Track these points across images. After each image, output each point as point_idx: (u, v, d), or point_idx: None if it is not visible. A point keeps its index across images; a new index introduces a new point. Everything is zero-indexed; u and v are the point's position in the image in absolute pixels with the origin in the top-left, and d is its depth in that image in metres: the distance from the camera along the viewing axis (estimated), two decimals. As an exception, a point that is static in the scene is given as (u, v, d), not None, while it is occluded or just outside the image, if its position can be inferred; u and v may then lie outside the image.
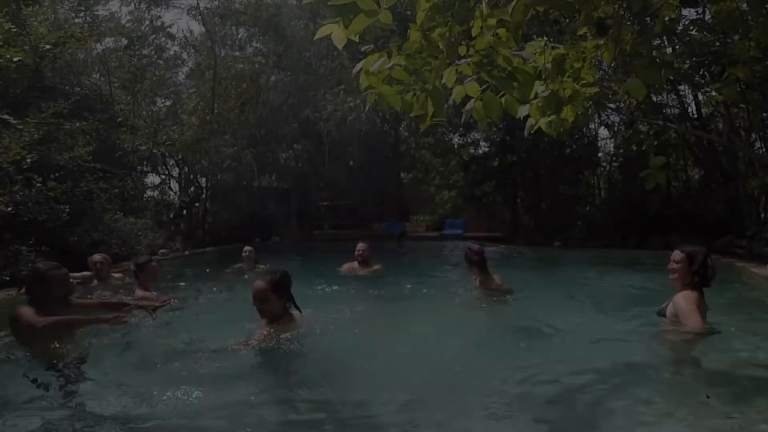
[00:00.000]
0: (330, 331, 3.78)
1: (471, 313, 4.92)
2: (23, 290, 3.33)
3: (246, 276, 7.47)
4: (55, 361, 3.09)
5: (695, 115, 11.94)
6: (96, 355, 3.32)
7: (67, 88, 12.24)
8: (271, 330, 3.37)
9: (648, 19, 4.60)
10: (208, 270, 8.41)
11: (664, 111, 11.84)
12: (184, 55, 18.09)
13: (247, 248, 7.81)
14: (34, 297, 3.28)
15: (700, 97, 10.57)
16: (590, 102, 3.22)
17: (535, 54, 2.65)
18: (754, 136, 11.03)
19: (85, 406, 2.67)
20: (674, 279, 3.43)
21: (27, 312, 3.15)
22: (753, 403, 2.66)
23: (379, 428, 2.55)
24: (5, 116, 7.64)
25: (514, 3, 2.11)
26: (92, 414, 2.60)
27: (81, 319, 3.36)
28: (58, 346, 3.22)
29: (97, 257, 6.11)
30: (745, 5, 4.98)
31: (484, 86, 2.37)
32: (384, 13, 1.92)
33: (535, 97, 2.72)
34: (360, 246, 7.29)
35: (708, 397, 2.62)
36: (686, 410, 2.61)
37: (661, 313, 3.55)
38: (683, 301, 3.29)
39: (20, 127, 7.95)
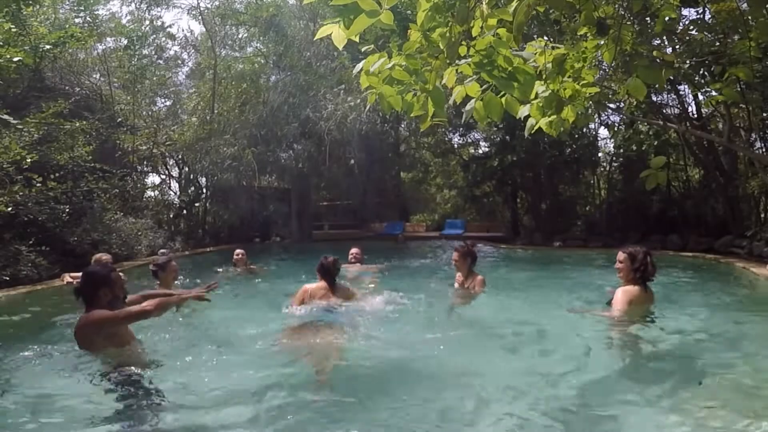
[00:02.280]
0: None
1: (453, 310, 4.93)
2: (80, 297, 3.13)
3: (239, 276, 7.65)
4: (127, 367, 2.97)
5: (695, 115, 11.92)
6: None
7: (67, 88, 12.26)
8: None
9: (648, 19, 4.59)
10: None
11: (664, 111, 11.82)
12: (185, 55, 18.12)
13: (238, 251, 8.07)
14: (96, 300, 3.08)
15: (700, 97, 10.55)
16: (590, 102, 3.23)
17: (535, 54, 2.65)
18: (754, 136, 11.01)
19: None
20: (620, 276, 3.93)
21: (102, 312, 2.96)
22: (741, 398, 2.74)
23: (372, 425, 2.55)
24: (5, 116, 7.64)
25: (515, 4, 2.11)
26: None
27: (169, 300, 3.14)
28: (129, 350, 3.11)
29: (105, 256, 6.16)
30: (745, 5, 4.97)
31: (484, 86, 2.37)
32: (386, 13, 1.92)
33: (536, 97, 2.72)
34: (353, 250, 7.68)
35: (700, 383, 2.77)
36: (670, 401, 2.65)
37: (608, 302, 4.02)
38: (620, 293, 3.83)
39: (20, 127, 7.95)
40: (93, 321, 2.96)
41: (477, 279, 5.23)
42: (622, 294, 3.82)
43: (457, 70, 2.40)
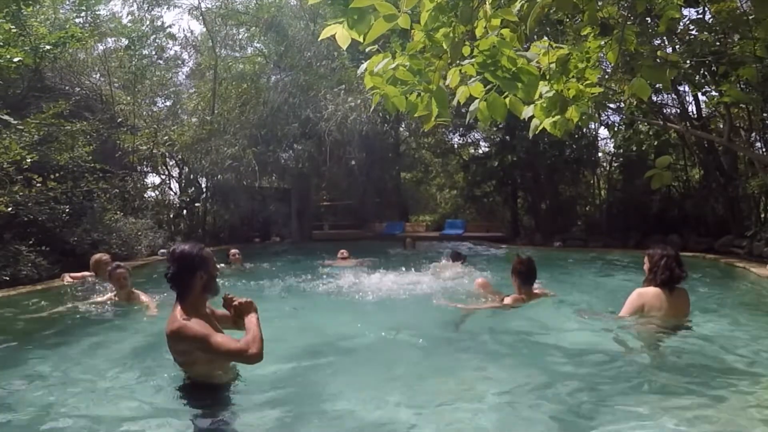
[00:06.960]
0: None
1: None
2: (172, 284, 2.54)
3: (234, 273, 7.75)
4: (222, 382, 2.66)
5: (695, 115, 11.92)
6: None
7: (67, 88, 12.24)
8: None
9: (649, 19, 4.59)
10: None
11: (664, 111, 11.82)
12: (185, 55, 18.11)
13: (233, 250, 8.29)
14: (191, 286, 2.51)
15: (701, 97, 10.54)
16: (592, 102, 3.22)
17: (539, 54, 2.64)
18: (754, 136, 11.01)
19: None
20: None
21: (203, 334, 2.38)
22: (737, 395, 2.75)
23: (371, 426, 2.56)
24: (5, 116, 7.62)
25: (518, 4, 2.10)
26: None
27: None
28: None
29: (105, 256, 6.18)
30: (746, 5, 4.97)
31: (488, 87, 2.37)
32: (404, 16, 1.90)
33: (540, 97, 2.71)
34: (342, 251, 8.72)
35: None
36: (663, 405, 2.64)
37: None
38: (633, 294, 3.75)
39: (20, 127, 7.94)
40: (188, 337, 2.40)
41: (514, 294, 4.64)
42: (632, 294, 3.77)
43: (460, 70, 2.39)
